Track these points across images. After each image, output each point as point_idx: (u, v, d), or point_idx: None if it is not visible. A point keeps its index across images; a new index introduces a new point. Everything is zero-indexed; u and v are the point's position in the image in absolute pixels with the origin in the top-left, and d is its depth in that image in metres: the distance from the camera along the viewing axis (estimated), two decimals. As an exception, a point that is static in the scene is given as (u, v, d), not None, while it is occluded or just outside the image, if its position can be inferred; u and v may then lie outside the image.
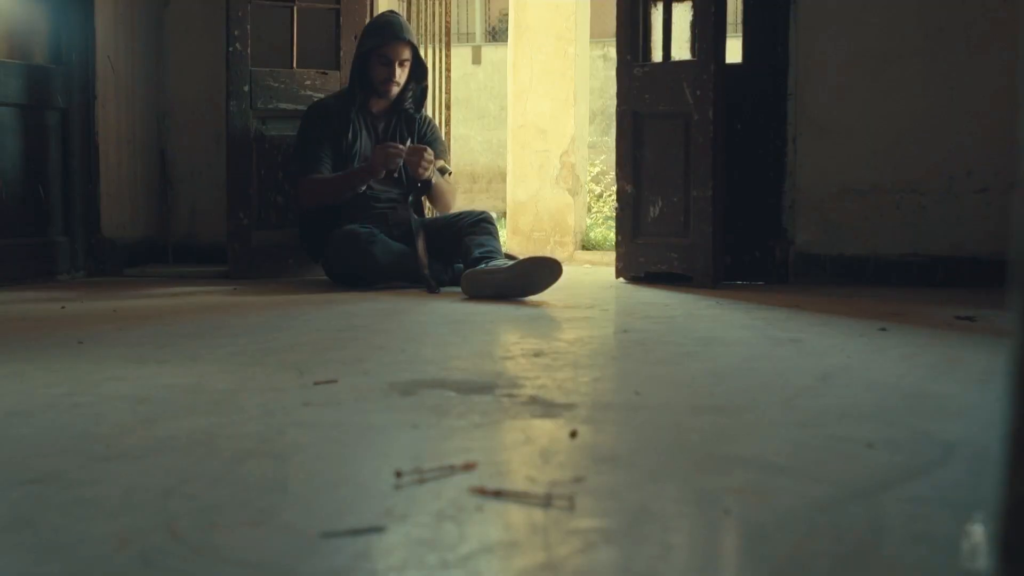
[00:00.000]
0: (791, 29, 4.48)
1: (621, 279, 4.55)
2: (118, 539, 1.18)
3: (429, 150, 4.24)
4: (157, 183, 5.22)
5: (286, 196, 4.73)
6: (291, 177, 4.61)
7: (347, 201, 4.32)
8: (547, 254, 6.27)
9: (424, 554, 1.14)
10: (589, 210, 7.89)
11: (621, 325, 3.24)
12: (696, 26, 4.33)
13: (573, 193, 6.61)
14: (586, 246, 6.68)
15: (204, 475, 1.47)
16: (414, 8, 5.31)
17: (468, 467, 1.48)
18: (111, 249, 4.82)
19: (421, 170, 4.21)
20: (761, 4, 4.50)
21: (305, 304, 3.67)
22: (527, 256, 3.98)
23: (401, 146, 4.23)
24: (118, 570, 1.09)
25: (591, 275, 4.93)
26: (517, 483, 1.41)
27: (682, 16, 4.48)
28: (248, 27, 4.62)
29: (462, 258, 4.14)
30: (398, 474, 1.42)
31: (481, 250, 4.08)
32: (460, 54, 14.39)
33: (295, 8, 4.76)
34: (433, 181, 4.32)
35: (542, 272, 3.78)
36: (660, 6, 4.54)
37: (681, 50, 4.49)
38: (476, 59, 14.95)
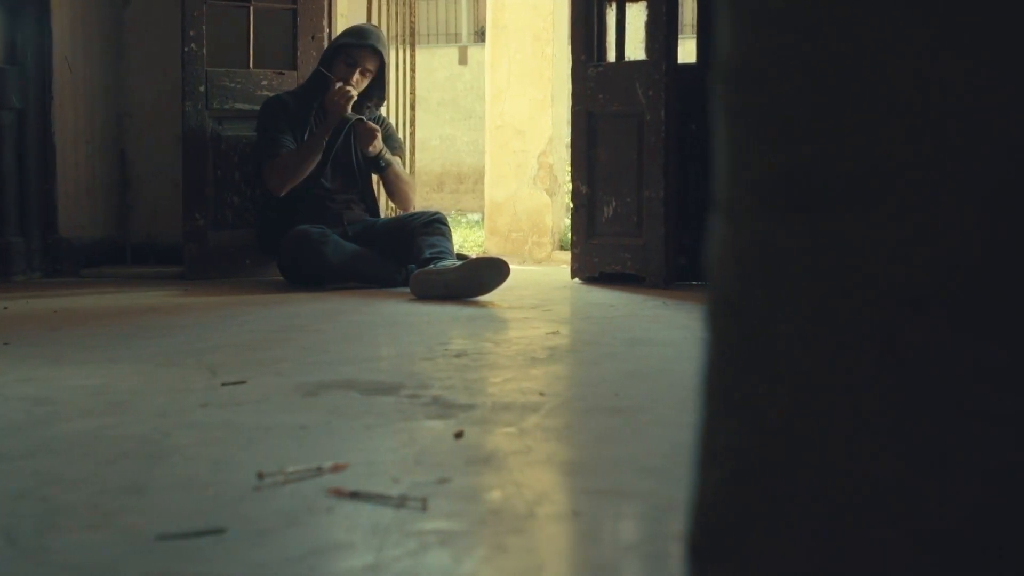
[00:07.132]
0: (746, 29, 4.47)
1: (576, 279, 4.55)
2: (-49, 542, 1.17)
3: (374, 125, 4.32)
4: (117, 183, 5.21)
5: (243, 196, 4.72)
6: (256, 170, 4.57)
7: (302, 200, 4.31)
8: (525, 254, 6.29)
9: (251, 555, 1.14)
10: (568, 210, 7.86)
11: (556, 326, 3.23)
12: (649, 26, 4.33)
13: (551, 193, 6.60)
14: (564, 246, 6.65)
15: (68, 477, 1.46)
16: (374, 8, 5.30)
17: (338, 468, 1.48)
18: (68, 249, 4.81)
19: (368, 138, 4.26)
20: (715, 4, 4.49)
21: (250, 305, 3.67)
22: (476, 256, 3.97)
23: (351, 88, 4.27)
24: (-62, 573, 1.09)
25: (548, 276, 4.92)
26: (381, 484, 1.40)
27: (637, 16, 4.48)
28: (204, 27, 4.61)
29: (413, 258, 4.13)
30: (260, 476, 1.42)
31: (432, 250, 4.08)
32: (447, 54, 14.40)
33: (251, 8, 4.75)
34: (387, 160, 4.34)
35: (490, 272, 3.78)
36: (614, 6, 4.54)
37: (636, 51, 4.49)
38: (463, 59, 14.94)
